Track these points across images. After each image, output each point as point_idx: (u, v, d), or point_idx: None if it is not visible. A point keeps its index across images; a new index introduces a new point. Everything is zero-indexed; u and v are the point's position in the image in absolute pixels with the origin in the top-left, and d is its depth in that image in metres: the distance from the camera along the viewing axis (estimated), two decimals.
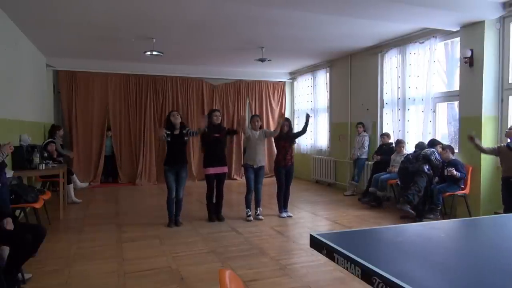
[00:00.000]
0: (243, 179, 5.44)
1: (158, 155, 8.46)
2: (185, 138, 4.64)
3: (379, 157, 6.12)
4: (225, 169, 4.97)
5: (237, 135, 5.32)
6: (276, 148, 5.25)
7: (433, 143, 5.02)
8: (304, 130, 5.15)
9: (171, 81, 8.63)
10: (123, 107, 8.32)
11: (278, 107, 9.60)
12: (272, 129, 9.12)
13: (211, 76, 8.88)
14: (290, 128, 5.18)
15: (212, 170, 4.86)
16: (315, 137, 8.67)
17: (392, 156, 5.98)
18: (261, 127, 5.17)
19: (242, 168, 5.27)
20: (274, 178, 7.94)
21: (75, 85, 7.89)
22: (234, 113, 9.20)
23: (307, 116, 5.16)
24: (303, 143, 8.96)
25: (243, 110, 9.34)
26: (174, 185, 4.64)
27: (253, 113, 9.23)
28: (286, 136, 5.14)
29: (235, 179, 9.02)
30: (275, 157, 5.28)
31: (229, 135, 5.05)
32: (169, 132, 4.59)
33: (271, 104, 9.59)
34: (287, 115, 9.58)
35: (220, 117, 4.90)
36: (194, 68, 8.68)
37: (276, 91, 9.64)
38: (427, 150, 4.84)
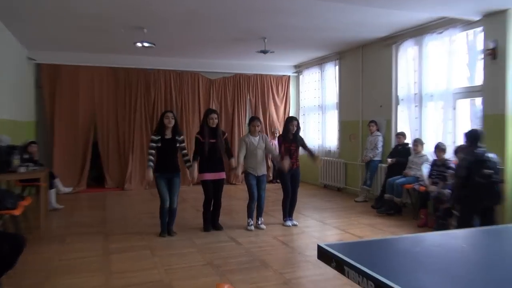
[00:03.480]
0: (243, 184, 5.41)
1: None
2: (178, 145, 4.64)
3: (394, 159, 6.10)
4: (223, 175, 4.97)
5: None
6: (280, 151, 5.23)
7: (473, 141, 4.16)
8: (307, 151, 5.13)
9: (164, 75, 8.65)
10: (111, 103, 8.35)
11: (283, 103, 9.61)
12: (278, 128, 9.14)
13: (207, 70, 8.91)
14: (298, 128, 5.14)
15: (209, 176, 4.86)
16: (323, 137, 8.64)
17: (410, 158, 5.95)
18: (260, 131, 5.11)
19: (243, 175, 5.22)
20: (273, 184, 7.68)
21: (58, 79, 7.90)
22: (234, 111, 9.20)
23: (317, 160, 5.13)
24: (309, 143, 8.81)
25: (243, 107, 9.36)
26: (167, 194, 4.64)
27: (254, 111, 9.24)
28: (293, 137, 5.11)
29: (234, 184, 9.04)
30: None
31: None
32: (159, 137, 4.57)
33: (274, 101, 9.58)
34: (292, 112, 9.59)
35: (216, 120, 4.82)
36: (189, 61, 8.71)
37: (280, 86, 9.63)
38: (482, 152, 4.03)
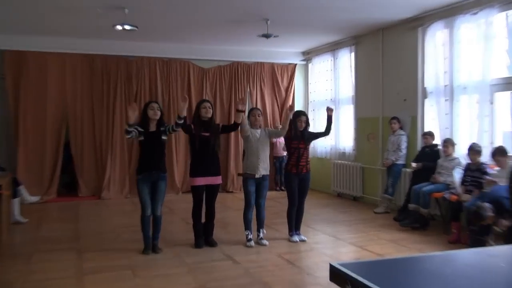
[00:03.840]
0: (242, 192, 5.42)
1: (132, 159, 8.52)
2: (163, 138, 4.66)
3: (419, 164, 6.10)
4: (218, 180, 5.00)
5: (236, 131, 5.33)
6: (288, 151, 5.28)
7: None
8: (327, 131, 5.27)
9: (148, 64, 8.73)
10: (86, 97, 8.43)
11: (289, 96, 9.68)
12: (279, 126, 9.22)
13: (199, 57, 8.97)
14: (307, 124, 5.19)
15: (201, 181, 4.87)
16: (337, 136, 8.65)
17: (439, 161, 5.98)
18: (261, 124, 5.20)
19: (241, 178, 5.31)
20: (277, 191, 7.79)
21: (24, 69, 7.95)
22: (230, 105, 9.26)
23: (329, 111, 5.24)
24: (320, 144, 8.93)
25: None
26: (149, 201, 4.67)
27: (254, 105, 9.28)
28: (301, 135, 5.15)
29: (232, 192, 9.10)
30: (286, 162, 5.32)
31: (225, 132, 5.08)
32: (142, 130, 4.59)
33: (278, 93, 9.61)
34: (299, 107, 9.62)
35: (210, 110, 4.89)
36: (178, 47, 8.77)
37: (285, 76, 9.68)
38: None
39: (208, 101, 5.03)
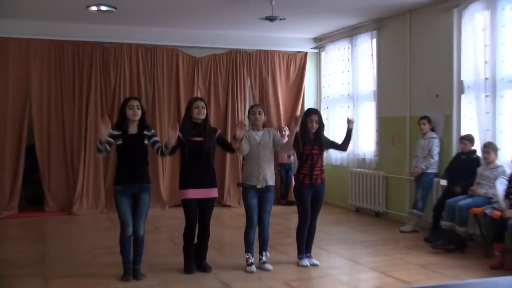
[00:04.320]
0: (242, 206, 5.48)
1: (109, 166, 8.49)
2: (146, 142, 4.70)
3: (458, 187, 5.99)
4: (213, 192, 5.02)
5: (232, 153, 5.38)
6: (298, 158, 5.31)
7: None
8: (344, 147, 5.32)
9: (129, 52, 8.73)
10: (54, 91, 8.41)
11: (297, 91, 9.61)
12: (285, 134, 9.08)
13: (190, 44, 8.98)
14: (321, 124, 5.18)
15: (193, 193, 4.88)
16: (355, 139, 8.52)
17: (479, 170, 5.98)
18: (265, 125, 5.19)
19: (240, 189, 5.43)
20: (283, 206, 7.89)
21: None
22: (228, 102, 9.26)
23: (350, 124, 5.24)
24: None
25: (241, 96, 9.36)
26: (131, 217, 4.67)
27: (256, 101, 9.29)
28: (314, 138, 5.15)
29: (229, 206, 9.07)
30: (296, 171, 5.32)
31: (220, 146, 5.10)
32: (119, 132, 4.61)
33: (285, 88, 9.54)
34: (310, 104, 9.58)
35: (204, 110, 4.90)
36: (165, 32, 8.76)
37: (293, 68, 9.60)
38: None
39: (201, 99, 5.05)
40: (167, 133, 4.60)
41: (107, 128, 4.47)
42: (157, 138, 4.80)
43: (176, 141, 4.71)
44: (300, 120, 5.05)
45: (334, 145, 5.35)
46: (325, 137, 5.26)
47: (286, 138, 8.78)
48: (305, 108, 8.65)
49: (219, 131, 5.15)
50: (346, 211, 8.70)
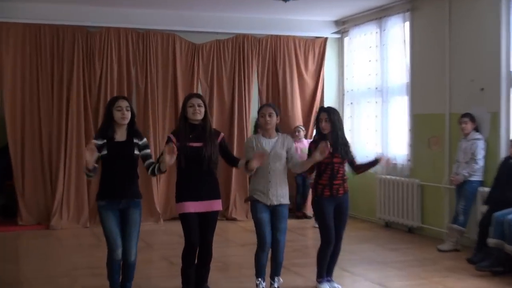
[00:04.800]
0: (250, 220, 5.46)
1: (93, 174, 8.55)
2: (137, 152, 4.68)
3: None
4: (216, 205, 4.99)
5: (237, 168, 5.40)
6: (316, 167, 5.22)
7: None
8: (358, 170, 5.38)
9: (118, 38, 8.73)
10: (29, 83, 8.40)
11: (315, 84, 9.57)
12: (302, 127, 9.19)
13: (189, 28, 8.96)
14: (334, 124, 5.13)
15: (192, 207, 4.85)
16: (384, 141, 8.63)
17: None
18: (278, 129, 5.13)
19: (249, 203, 5.29)
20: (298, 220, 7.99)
21: None
22: (234, 97, 9.26)
23: (379, 161, 5.34)
24: (361, 152, 8.56)
25: (249, 90, 9.37)
26: (119, 238, 4.64)
27: (266, 97, 9.29)
28: (332, 142, 5.06)
29: (235, 220, 9.09)
30: (314, 181, 5.31)
31: (221, 155, 5.02)
32: (104, 141, 4.59)
33: (300, 79, 9.48)
34: (330, 100, 9.51)
35: (202, 109, 4.84)
36: (160, 14, 8.73)
37: (310, 56, 9.57)
38: None
39: (198, 96, 5.00)
40: (164, 155, 4.46)
41: (93, 154, 4.39)
42: (149, 151, 4.78)
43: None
44: (328, 147, 4.78)
45: (350, 161, 5.30)
46: (348, 147, 5.23)
47: (303, 139, 8.96)
48: (325, 104, 8.70)
49: (222, 135, 5.05)
50: (374, 226, 8.64)
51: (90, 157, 4.34)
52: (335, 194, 5.11)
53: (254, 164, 4.71)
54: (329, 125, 5.06)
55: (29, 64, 8.41)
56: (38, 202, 8.50)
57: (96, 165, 4.45)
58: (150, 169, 4.64)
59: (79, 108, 8.57)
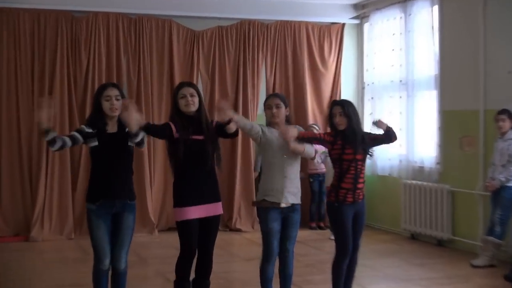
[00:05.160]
0: (257, 231, 5.49)
1: (79, 178, 8.54)
2: (130, 144, 4.69)
3: None
4: (217, 209, 4.96)
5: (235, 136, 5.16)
6: (337, 166, 5.14)
7: None
8: (390, 137, 5.16)
9: (106, 23, 8.75)
10: (6, 74, 8.45)
11: (332, 76, 9.61)
12: (318, 125, 9.29)
13: (188, 13, 9.00)
14: (350, 119, 5.06)
15: (194, 212, 4.80)
16: (410, 141, 8.60)
17: None
18: (289, 120, 5.15)
19: (256, 210, 5.31)
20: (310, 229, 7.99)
21: None
22: (238, 90, 9.34)
23: (378, 125, 5.19)
24: (382, 154, 8.82)
25: (256, 82, 9.44)
26: (108, 246, 4.64)
27: (274, 89, 9.32)
28: (347, 136, 5.05)
29: (239, 231, 9.07)
30: (333, 184, 5.21)
31: (221, 135, 4.95)
32: (94, 130, 4.63)
33: (314, 71, 9.54)
34: (349, 92, 9.53)
35: (195, 100, 4.81)
36: None
37: (326, 44, 9.61)
38: None
39: (189, 84, 4.95)
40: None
41: (45, 110, 4.31)
42: (142, 138, 4.67)
43: (164, 130, 4.79)
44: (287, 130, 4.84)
45: (379, 140, 5.19)
46: (369, 134, 5.20)
47: (317, 147, 8.89)
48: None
49: (214, 121, 4.97)
50: (398, 238, 8.64)
51: (43, 112, 4.27)
52: (356, 199, 5.08)
53: (224, 109, 4.62)
54: (344, 119, 4.99)
55: (6, 53, 8.41)
56: (16, 210, 8.49)
57: (53, 130, 4.38)
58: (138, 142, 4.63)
59: (63, 103, 8.55)
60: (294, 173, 5.03)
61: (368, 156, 5.17)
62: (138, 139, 4.53)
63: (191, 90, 4.79)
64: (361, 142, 5.03)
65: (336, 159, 5.09)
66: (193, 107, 4.77)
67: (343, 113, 4.98)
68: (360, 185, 5.08)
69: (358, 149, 5.01)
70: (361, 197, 5.14)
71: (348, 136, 4.99)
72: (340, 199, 5.04)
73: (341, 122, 5.00)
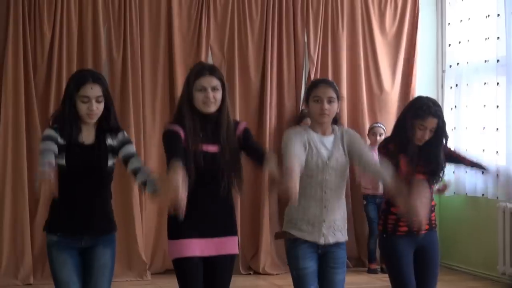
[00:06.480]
0: (286, 275, 5.88)
1: (40, 204, 7.88)
2: (110, 162, 4.39)
3: None
4: (230, 244, 4.55)
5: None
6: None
7: None
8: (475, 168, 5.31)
9: None
10: None
11: (400, 57, 8.92)
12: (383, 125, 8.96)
13: None
14: (441, 130, 4.86)
15: (194, 246, 4.41)
16: (510, 146, 7.94)
17: None
18: (337, 121, 4.74)
19: (283, 244, 5.39)
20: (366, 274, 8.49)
21: None
22: (265, 76, 8.40)
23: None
24: (468, 170, 7.89)
25: (295, 66, 8.71)
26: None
27: (317, 74, 8.64)
28: (426, 152, 4.86)
29: (268, 274, 8.34)
30: (384, 209, 5.11)
31: (247, 152, 4.55)
32: (64, 142, 4.25)
33: (376, 49, 8.81)
34: (423, 80, 8.90)
35: (218, 95, 4.33)
36: None
37: (390, 10, 8.89)
38: None
39: (213, 71, 4.41)
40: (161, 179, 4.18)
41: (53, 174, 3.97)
42: (132, 148, 4.35)
43: (171, 148, 4.35)
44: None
45: (462, 160, 5.26)
46: (448, 150, 5.09)
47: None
48: (416, 89, 8.73)
49: (243, 125, 4.63)
50: (494, 285, 7.95)
51: (50, 180, 3.91)
52: (419, 230, 4.93)
53: (293, 187, 4.02)
54: (431, 135, 4.86)
55: None
56: None
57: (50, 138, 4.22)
58: (142, 182, 4.26)
59: (17, 93, 7.91)
60: (337, 201, 4.78)
61: (435, 179, 4.97)
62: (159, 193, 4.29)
63: (215, 82, 4.38)
64: (437, 166, 4.97)
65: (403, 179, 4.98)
66: (214, 107, 4.43)
67: (437, 128, 4.84)
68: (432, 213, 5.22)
69: (437, 167, 4.94)
70: (433, 225, 5.06)
71: (423, 157, 4.89)
72: (389, 228, 4.99)
73: (426, 137, 4.84)
